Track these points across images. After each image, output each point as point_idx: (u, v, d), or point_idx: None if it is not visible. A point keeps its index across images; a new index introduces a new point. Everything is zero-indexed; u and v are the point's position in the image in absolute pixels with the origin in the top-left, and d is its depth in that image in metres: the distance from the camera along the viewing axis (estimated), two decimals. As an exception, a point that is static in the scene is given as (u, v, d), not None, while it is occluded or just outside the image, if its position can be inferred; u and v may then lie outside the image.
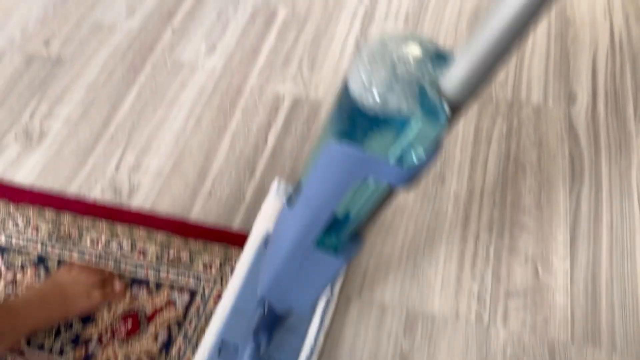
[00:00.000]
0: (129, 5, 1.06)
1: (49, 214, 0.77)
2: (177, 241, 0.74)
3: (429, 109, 0.33)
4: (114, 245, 0.74)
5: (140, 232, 0.75)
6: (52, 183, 0.81)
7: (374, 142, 0.35)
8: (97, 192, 0.80)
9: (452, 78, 0.32)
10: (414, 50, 0.34)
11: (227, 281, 0.70)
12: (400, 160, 0.35)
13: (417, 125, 0.33)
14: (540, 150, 0.81)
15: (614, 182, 0.77)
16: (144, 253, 0.73)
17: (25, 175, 0.82)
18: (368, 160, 0.36)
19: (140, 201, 0.78)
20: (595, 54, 0.92)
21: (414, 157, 0.35)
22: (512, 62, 0.92)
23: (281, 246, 0.48)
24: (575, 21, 0.98)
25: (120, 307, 0.69)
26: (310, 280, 0.50)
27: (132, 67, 0.95)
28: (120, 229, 0.75)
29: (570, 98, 0.87)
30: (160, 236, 0.74)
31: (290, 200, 0.45)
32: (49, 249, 0.74)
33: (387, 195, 0.41)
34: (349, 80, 0.35)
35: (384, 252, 0.72)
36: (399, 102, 0.33)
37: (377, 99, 0.34)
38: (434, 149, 0.35)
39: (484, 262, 0.70)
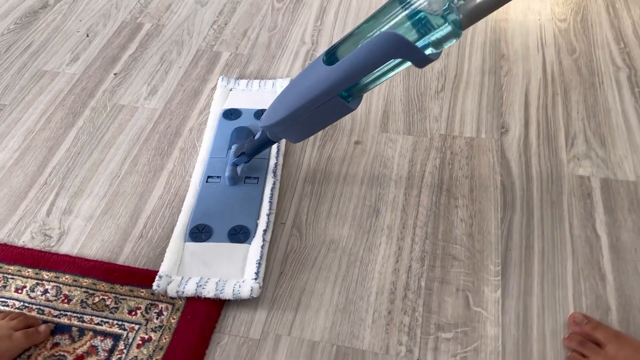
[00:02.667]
0: (73, 52, 1.07)
1: (-25, 261, 0.75)
2: (103, 286, 0.72)
3: (454, 22, 0.55)
4: (39, 291, 0.72)
5: (66, 278, 0.73)
6: (-20, 230, 0.79)
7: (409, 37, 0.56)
8: (27, 238, 0.78)
9: (467, 9, 0.55)
10: None
11: (152, 324, 0.68)
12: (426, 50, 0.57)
13: (445, 31, 0.55)
14: (472, 182, 0.81)
15: (545, 210, 0.77)
16: (68, 299, 0.71)
17: (-48, 222, 0.80)
18: (411, 48, 0.56)
19: (69, 246, 0.77)
20: (527, 87, 0.95)
21: (436, 51, 0.58)
22: (446, 96, 0.94)
23: (307, 92, 0.64)
24: (509, 56, 1.01)
25: (41, 355, 0.66)
26: (318, 121, 0.68)
27: (72, 111, 0.95)
28: (46, 274, 0.73)
29: (503, 129, 0.88)
30: (86, 281, 0.72)
31: (329, 59, 0.62)
32: (-30, 298, 0.71)
33: (393, 73, 0.62)
34: None
35: (316, 288, 0.71)
36: (441, 15, 0.54)
37: (434, 6, 0.54)
38: (442, 50, 0.58)
39: (416, 294, 0.70)
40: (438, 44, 0.57)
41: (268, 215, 0.77)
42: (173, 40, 1.09)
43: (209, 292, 0.69)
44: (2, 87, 1.00)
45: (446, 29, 0.55)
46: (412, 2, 0.55)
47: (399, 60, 0.59)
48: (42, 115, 0.95)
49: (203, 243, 0.74)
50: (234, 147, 0.81)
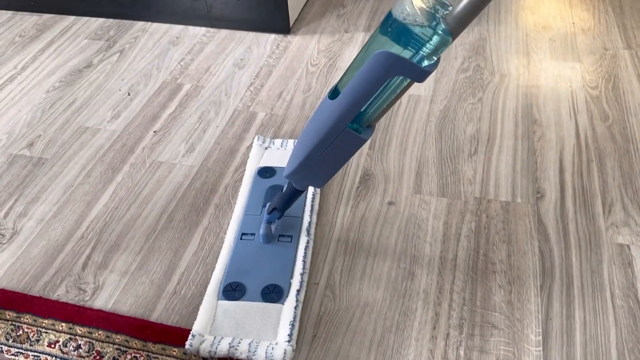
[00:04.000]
0: (115, 109, 1.11)
1: (10, 314, 0.75)
2: (135, 343, 0.71)
3: (443, 31, 0.55)
4: (71, 346, 0.71)
5: (99, 333, 0.72)
6: (17, 283, 0.80)
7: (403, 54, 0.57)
8: (62, 291, 0.78)
9: (452, 18, 0.55)
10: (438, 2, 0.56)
11: (184, 386, 0.67)
12: (421, 64, 0.57)
13: (436, 40, 0.55)
14: (509, 247, 0.80)
15: (585, 279, 0.76)
16: (100, 355, 0.70)
17: (-10, 274, 0.81)
18: (405, 63, 0.56)
19: (103, 301, 0.77)
20: (561, 152, 0.95)
21: (432, 62, 0.57)
22: (480, 159, 0.95)
23: (319, 130, 0.64)
24: (542, 122, 1.02)
25: (70, 415, 0.65)
26: (335, 158, 0.67)
27: (111, 167, 0.98)
28: (79, 329, 0.73)
29: (539, 194, 0.88)
30: (119, 337, 0.72)
31: (331, 96, 0.63)
32: (4, 349, 0.71)
33: (399, 94, 0.61)
34: (395, 12, 0.56)
35: (351, 354, 0.69)
36: (427, 22, 0.55)
37: (418, 19, 0.55)
38: (438, 60, 0.58)
39: (454, 364, 0.67)
40: (431, 54, 0.57)
41: (301, 274, 0.76)
42: (211, 100, 1.12)
43: (241, 353, 0.68)
44: (45, 142, 1.04)
45: (435, 39, 0.56)
46: (397, 19, 0.56)
47: (397, 80, 0.59)
48: (82, 170, 0.97)
49: (236, 302, 0.74)
50: (268, 204, 0.82)
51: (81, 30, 1.37)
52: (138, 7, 1.37)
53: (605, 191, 0.87)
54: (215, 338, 0.70)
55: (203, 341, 0.69)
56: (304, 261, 0.78)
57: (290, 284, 0.76)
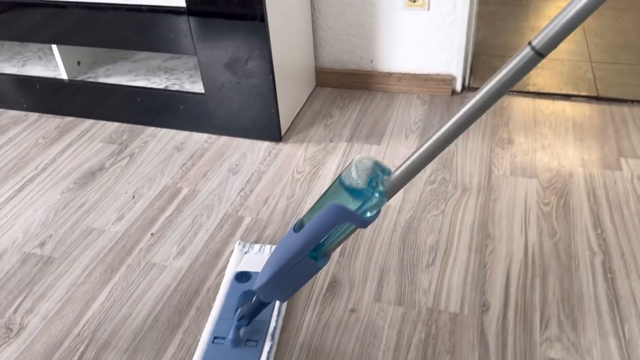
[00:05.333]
0: (119, 212, 1.26)
1: (8, 405, 0.86)
2: None
3: (380, 193, 0.71)
4: None
5: None
6: (17, 375, 0.91)
7: (350, 206, 0.73)
8: (55, 385, 0.89)
9: (389, 182, 0.71)
10: (375, 166, 0.73)
11: None
12: (364, 215, 0.73)
13: (374, 200, 0.72)
14: (452, 358, 0.90)
15: (517, 391, 0.84)
16: None
17: (-5, 367, 0.92)
18: (352, 215, 0.72)
19: (90, 395, 0.87)
20: (509, 266, 1.06)
21: (374, 214, 0.73)
22: (436, 270, 1.06)
23: (283, 256, 0.79)
24: (495, 236, 1.13)
25: None
26: (297, 279, 0.81)
27: (110, 267, 1.11)
28: (66, 423, 0.83)
29: (484, 307, 0.98)
30: None
31: (296, 229, 0.78)
32: None
33: (349, 233, 0.76)
34: (343, 176, 0.73)
35: None
36: (367, 188, 0.72)
37: (359, 184, 0.72)
38: (379, 212, 0.74)
39: None
40: (372, 209, 0.73)
41: None
42: (205, 204, 1.27)
43: None
44: (56, 241, 1.18)
45: (375, 199, 0.72)
46: (347, 180, 0.73)
47: (347, 223, 0.75)
48: (84, 269, 1.11)
49: None
50: (239, 310, 0.93)
51: (97, 134, 1.55)
52: (149, 113, 1.55)
53: (545, 306, 0.97)
54: None
55: None
56: None
57: None
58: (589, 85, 1.62)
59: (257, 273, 1.05)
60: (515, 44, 1.92)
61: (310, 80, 1.69)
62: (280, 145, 1.47)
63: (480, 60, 1.80)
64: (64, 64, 1.56)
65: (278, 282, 0.81)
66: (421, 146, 0.68)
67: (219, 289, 1.05)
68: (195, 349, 0.93)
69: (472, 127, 1.48)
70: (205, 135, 1.52)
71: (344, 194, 0.73)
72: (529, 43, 0.60)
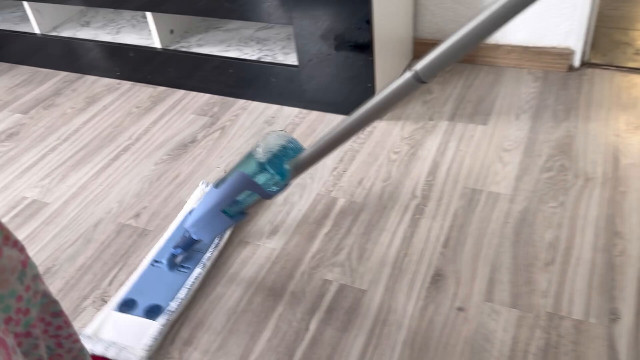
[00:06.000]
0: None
1: (106, 378, 0.86)
2: None
3: (284, 172, 0.85)
4: (153, 419, 0.80)
5: (178, 410, 0.80)
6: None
7: (257, 178, 0.86)
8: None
9: (295, 162, 0.84)
10: (287, 143, 0.87)
11: None
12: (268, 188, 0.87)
13: (275, 178, 0.84)
14: (578, 372, 0.79)
15: (660, 420, 0.73)
16: None
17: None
18: (255, 185, 0.86)
19: (185, 377, 0.85)
20: (644, 270, 0.92)
21: (276, 188, 0.87)
22: (556, 270, 0.94)
23: (205, 206, 0.92)
24: (625, 234, 0.99)
25: None
26: (214, 227, 0.95)
27: (203, 243, 1.08)
28: (162, 403, 0.82)
29: (614, 316, 0.86)
30: (195, 417, 0.79)
31: (217, 185, 0.91)
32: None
33: (255, 200, 0.92)
34: (254, 148, 0.86)
35: None
36: (270, 165, 0.85)
37: (264, 160, 0.85)
38: (284, 187, 0.88)
39: None
40: (276, 184, 0.86)
41: (181, 300, 0.94)
42: (297, 183, 1.21)
43: (111, 354, 0.87)
44: (150, 213, 1.17)
45: (276, 176, 0.84)
46: (256, 154, 0.86)
47: (251, 192, 0.88)
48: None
49: (124, 314, 0.93)
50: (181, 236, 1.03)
51: (189, 105, 1.53)
52: (240, 86, 1.51)
53: (690, 321, 0.84)
54: (95, 340, 0.90)
55: (86, 341, 0.89)
56: (188, 289, 0.96)
57: (168, 305, 0.93)
58: None
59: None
60: (637, 15, 1.70)
61: (406, 52, 1.58)
62: (375, 122, 1.38)
63: (601, 32, 1.61)
64: (157, 32, 1.55)
65: (200, 226, 0.95)
66: (330, 132, 0.81)
67: (314, 274, 0.99)
68: (290, 335, 0.88)
69: (593, 108, 1.32)
70: (296, 110, 1.46)
71: (252, 165, 0.85)
72: (411, 69, 0.70)
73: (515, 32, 1.48)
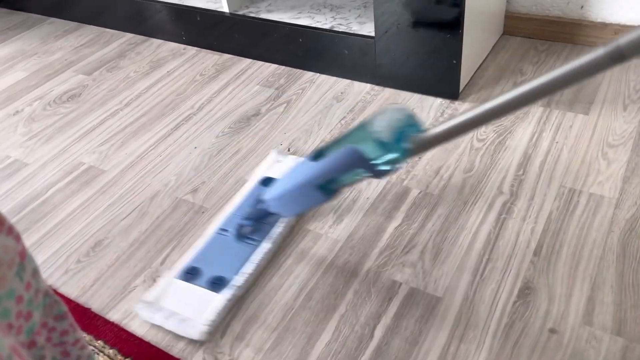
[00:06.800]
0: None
1: (151, 367, 0.79)
2: None
3: (403, 150, 0.71)
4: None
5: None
6: (162, 337, 0.83)
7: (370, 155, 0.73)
8: (199, 357, 0.80)
9: (418, 140, 0.71)
10: (407, 119, 0.72)
11: None
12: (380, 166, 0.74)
13: (395, 155, 0.72)
14: None
15: None
16: None
17: (142, 323, 0.86)
18: (367, 163, 0.73)
19: (234, 376, 0.77)
20: None
21: (390, 168, 0.74)
22: (674, 296, 0.79)
23: (296, 179, 0.82)
24: None
25: None
26: (302, 203, 0.85)
27: (261, 227, 0.99)
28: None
29: None
30: None
31: (314, 158, 0.79)
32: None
33: (360, 179, 0.79)
34: (371, 122, 0.73)
35: None
36: (391, 141, 0.71)
37: (384, 135, 0.71)
38: (395, 169, 0.76)
39: None
40: (391, 163, 0.73)
41: (247, 274, 0.87)
42: (366, 167, 1.09)
43: (170, 325, 0.82)
44: (208, 190, 1.09)
45: (395, 154, 0.71)
46: (372, 127, 0.72)
47: (360, 170, 0.75)
48: (235, 225, 1.00)
49: (187, 283, 0.88)
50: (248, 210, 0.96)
51: (255, 75, 1.44)
52: (309, 57, 1.39)
53: None
54: (156, 308, 0.85)
55: (146, 308, 0.84)
56: (257, 264, 0.89)
57: (233, 279, 0.87)
58: None
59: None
60: None
61: (497, 27, 1.41)
62: (456, 104, 1.24)
63: None
64: (226, -5, 1.45)
65: (285, 200, 0.85)
66: (463, 114, 0.66)
67: (381, 272, 0.88)
68: (352, 340, 0.79)
69: None
70: (368, 86, 1.33)
71: (367, 139, 0.72)
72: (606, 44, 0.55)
73: (627, 9, 1.28)
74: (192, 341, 0.82)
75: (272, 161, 1.10)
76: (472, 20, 1.18)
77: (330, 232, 0.97)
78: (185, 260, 0.92)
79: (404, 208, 1.00)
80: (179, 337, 0.83)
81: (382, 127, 0.71)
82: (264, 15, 1.44)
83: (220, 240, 0.94)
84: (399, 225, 0.97)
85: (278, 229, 0.95)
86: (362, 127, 0.74)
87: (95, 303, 0.90)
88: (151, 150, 1.22)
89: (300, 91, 1.35)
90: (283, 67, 1.45)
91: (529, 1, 1.38)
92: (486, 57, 1.37)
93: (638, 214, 0.92)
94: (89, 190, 1.14)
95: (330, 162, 0.76)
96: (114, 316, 0.87)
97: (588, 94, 1.20)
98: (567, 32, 1.36)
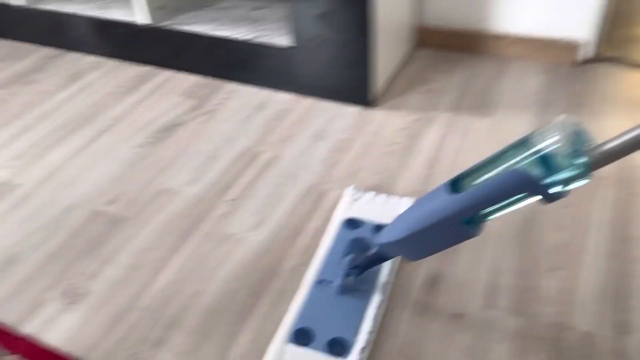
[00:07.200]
0: (195, 173, 1.14)
1: (67, 379, 0.78)
2: None
3: (582, 165, 0.58)
4: None
5: (144, 418, 0.73)
6: (77, 347, 0.82)
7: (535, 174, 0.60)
8: (118, 362, 0.80)
9: (598, 153, 0.57)
10: (580, 131, 0.59)
11: None
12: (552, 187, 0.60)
13: (574, 172, 0.58)
14: (586, 391, 0.72)
15: None
16: None
17: (55, 335, 0.84)
18: (539, 187, 0.60)
19: (154, 380, 0.77)
20: (657, 280, 0.85)
21: (564, 190, 0.60)
22: (563, 277, 0.87)
23: (432, 215, 0.68)
24: (638, 239, 0.92)
25: None
26: (440, 242, 0.71)
27: (182, 234, 1.00)
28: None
29: (625, 329, 0.79)
30: None
31: (453, 189, 0.67)
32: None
33: (519, 206, 0.64)
34: (537, 138, 0.60)
35: None
36: (567, 156, 0.58)
37: (560, 150, 0.58)
38: (572, 188, 0.60)
39: None
40: (566, 183, 0.59)
41: (369, 333, 0.78)
42: (287, 172, 1.13)
43: None
44: (127, 200, 1.09)
45: (572, 171, 0.58)
46: (539, 143, 0.60)
47: (525, 194, 0.62)
48: (155, 234, 1.00)
49: (303, 348, 0.77)
50: (349, 256, 0.84)
51: (176, 86, 1.44)
52: (231, 68, 1.42)
53: None
54: None
55: None
56: (374, 320, 0.80)
57: (356, 341, 0.77)
58: None
59: (368, 221, 0.97)
60: (654, 9, 1.62)
61: (409, 39, 1.49)
62: (372, 111, 1.30)
63: (613, 26, 1.53)
64: (148, 7, 1.45)
65: (415, 241, 0.72)
66: None
67: (302, 270, 0.91)
68: (273, 337, 0.81)
69: (602, 104, 1.24)
70: (289, 96, 1.38)
71: (532, 160, 0.60)
72: None
73: (522, 22, 1.40)
74: (112, 347, 0.82)
75: (351, 199, 1.02)
76: (384, 33, 1.25)
77: (251, 235, 0.99)
78: (291, 319, 0.82)
79: (323, 209, 1.04)
80: (95, 345, 0.82)
81: (555, 141, 0.59)
82: (185, 28, 1.45)
83: (324, 293, 0.84)
84: (319, 225, 1.00)
85: (384, 278, 0.86)
86: (521, 145, 0.62)
87: (9, 317, 0.87)
88: (68, 162, 1.20)
89: (223, 101, 1.37)
90: (205, 77, 1.47)
91: (437, 14, 1.48)
92: (400, 67, 1.45)
93: (534, 205, 1.00)
94: (2, 205, 1.10)
95: (488, 189, 0.63)
96: (29, 329, 0.85)
97: (490, 99, 1.30)
98: (471, 43, 1.47)
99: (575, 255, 0.90)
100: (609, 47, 1.42)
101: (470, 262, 0.91)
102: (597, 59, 1.39)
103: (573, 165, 0.58)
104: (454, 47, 1.49)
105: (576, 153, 0.58)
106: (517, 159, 0.61)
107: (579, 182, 0.59)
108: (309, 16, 1.22)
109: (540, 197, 0.61)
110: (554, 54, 1.40)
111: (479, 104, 1.29)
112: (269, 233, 0.99)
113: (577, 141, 0.58)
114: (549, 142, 0.59)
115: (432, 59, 1.48)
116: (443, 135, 1.20)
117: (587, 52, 1.38)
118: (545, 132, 0.60)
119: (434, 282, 0.88)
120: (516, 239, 0.94)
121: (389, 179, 1.10)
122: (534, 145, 0.60)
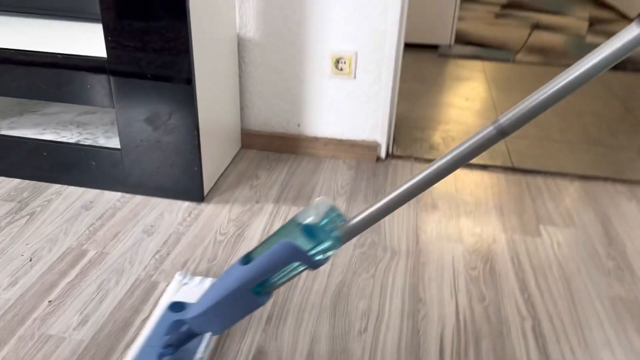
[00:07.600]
0: (13, 276, 1.10)
1: None
2: None
3: (335, 238, 0.74)
4: None
5: None
6: None
7: (303, 246, 0.74)
8: None
9: (345, 228, 0.74)
10: (332, 210, 0.75)
11: None
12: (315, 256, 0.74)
13: (328, 243, 0.74)
14: None
15: None
16: None
17: None
18: (302, 255, 0.73)
19: None
20: (442, 332, 1.02)
21: (324, 257, 0.75)
22: (369, 338, 0.99)
23: (226, 287, 0.77)
24: (426, 300, 1.10)
25: None
26: (234, 313, 0.80)
27: (-5, 340, 0.94)
28: None
29: (420, 376, 0.92)
30: None
31: (244, 262, 0.77)
32: None
33: (297, 273, 0.77)
34: (300, 216, 0.75)
35: None
36: (322, 230, 0.74)
37: (315, 225, 0.74)
38: (329, 256, 0.75)
39: None
40: (324, 252, 0.74)
41: None
42: (114, 268, 1.14)
43: None
44: None
45: (328, 242, 0.74)
46: (302, 219, 0.75)
47: (296, 263, 0.75)
48: (-38, 343, 0.93)
49: None
50: (164, 338, 0.89)
51: (-6, 190, 1.39)
52: (55, 170, 1.42)
53: (480, 373, 0.93)
54: None
55: None
56: None
57: None
58: (503, 157, 1.71)
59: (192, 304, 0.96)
60: (433, 116, 2.01)
61: (235, 142, 1.64)
62: (202, 205, 1.39)
63: (402, 130, 1.86)
64: (-40, 112, 1.41)
65: (215, 313, 0.80)
66: (380, 200, 0.73)
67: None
68: None
69: (398, 192, 1.48)
70: (118, 194, 1.41)
71: (298, 233, 0.74)
72: (494, 122, 0.65)
73: (330, 127, 1.64)
74: None
75: (178, 285, 1.06)
76: (207, 135, 1.38)
77: (74, 334, 0.97)
78: None
79: (151, 301, 1.06)
80: None
81: (311, 218, 0.73)
82: (5, 132, 1.43)
83: None
84: (147, 317, 1.02)
85: (199, 355, 0.89)
86: (290, 223, 0.75)
87: None
88: None
89: (46, 203, 1.35)
90: (27, 181, 1.43)
91: (258, 120, 1.67)
92: (228, 166, 1.58)
93: (344, 279, 1.14)
94: None
95: (265, 260, 0.74)
96: None
97: (308, 191, 1.47)
98: (289, 145, 1.67)
99: (378, 318, 1.05)
100: (399, 147, 1.72)
101: (293, 333, 1.00)
102: (391, 156, 1.67)
103: (329, 237, 0.73)
104: (276, 148, 1.68)
105: (331, 228, 0.73)
106: (287, 233, 0.75)
107: (332, 251, 0.75)
108: (136, 120, 1.31)
109: (306, 264, 0.74)
110: (359, 152, 1.65)
111: (299, 195, 1.45)
112: (94, 330, 0.98)
113: (333, 218, 0.74)
114: (308, 218, 0.74)
115: (258, 158, 1.64)
116: (268, 223, 1.32)
117: (383, 151, 1.65)
118: (306, 210, 0.75)
119: (257, 357, 0.94)
120: (331, 308, 1.06)
121: (219, 265, 1.17)
122: (298, 222, 0.75)
